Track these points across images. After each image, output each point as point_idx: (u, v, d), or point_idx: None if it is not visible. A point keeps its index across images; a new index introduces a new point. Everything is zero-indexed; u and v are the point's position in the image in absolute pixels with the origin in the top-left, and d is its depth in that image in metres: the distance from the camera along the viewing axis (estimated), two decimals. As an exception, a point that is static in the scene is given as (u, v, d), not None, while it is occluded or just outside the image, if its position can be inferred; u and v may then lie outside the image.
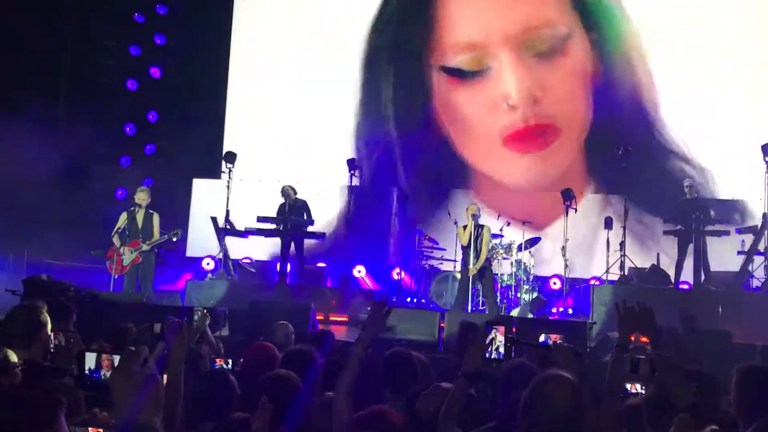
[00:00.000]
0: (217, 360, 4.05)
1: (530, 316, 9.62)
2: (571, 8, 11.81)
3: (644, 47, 11.74)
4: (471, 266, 9.22)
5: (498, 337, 5.24)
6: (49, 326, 3.67)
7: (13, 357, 3.24)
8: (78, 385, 3.16)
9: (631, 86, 11.68)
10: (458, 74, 11.93)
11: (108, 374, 3.00)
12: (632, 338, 3.31)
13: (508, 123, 11.66)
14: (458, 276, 9.79)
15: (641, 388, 3.91)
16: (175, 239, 9.58)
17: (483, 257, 9.36)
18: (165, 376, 2.90)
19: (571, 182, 10.71)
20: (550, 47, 11.70)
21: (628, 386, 3.92)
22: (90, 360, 3.14)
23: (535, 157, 11.67)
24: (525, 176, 11.62)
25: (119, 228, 9.40)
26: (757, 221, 9.99)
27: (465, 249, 9.58)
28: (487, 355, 3.35)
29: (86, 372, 3.12)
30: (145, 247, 9.33)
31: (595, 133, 11.62)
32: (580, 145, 11.79)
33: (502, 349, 5.23)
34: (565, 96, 11.70)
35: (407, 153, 12.15)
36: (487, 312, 9.09)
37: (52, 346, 3.71)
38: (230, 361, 4.07)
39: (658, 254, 10.49)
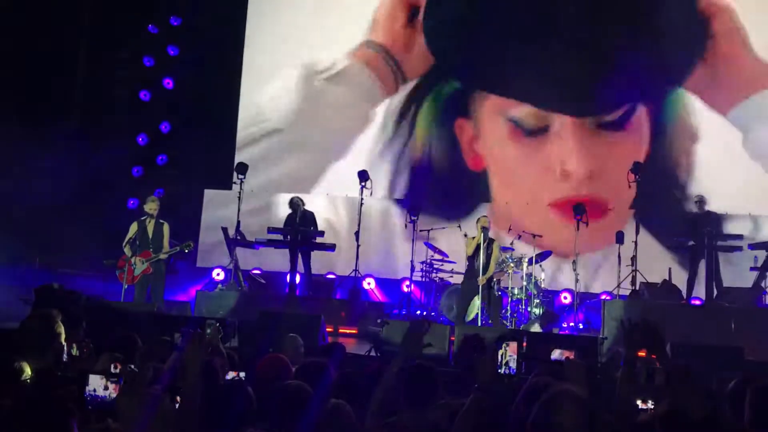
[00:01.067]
0: (232, 372, 4.04)
1: (538, 329, 9.59)
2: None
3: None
4: (481, 277, 9.26)
5: (508, 353, 5.23)
6: (63, 336, 3.68)
7: (27, 370, 3.26)
8: (79, 408, 3.10)
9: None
10: (519, 126, 11.71)
11: (114, 395, 3.02)
12: (640, 354, 3.29)
13: (557, 189, 11.49)
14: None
15: (651, 404, 3.88)
16: (187, 251, 9.62)
17: (491, 271, 9.41)
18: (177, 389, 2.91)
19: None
20: (614, 119, 11.52)
21: (639, 403, 3.89)
22: (95, 382, 3.12)
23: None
24: (564, 241, 10.85)
25: (130, 238, 9.45)
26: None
27: (470, 259, 9.59)
28: (498, 369, 3.33)
29: (86, 395, 3.09)
30: (156, 258, 9.37)
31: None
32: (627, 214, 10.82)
33: (513, 365, 5.22)
34: (621, 172, 10.65)
35: (427, 172, 12.11)
36: (492, 327, 9.08)
37: (65, 356, 3.71)
38: (243, 374, 4.05)
39: (670, 269, 10.43)
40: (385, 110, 12.33)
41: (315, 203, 11.34)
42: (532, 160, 11.72)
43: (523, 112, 11.71)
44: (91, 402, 3.04)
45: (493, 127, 11.94)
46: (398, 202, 12.07)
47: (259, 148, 12.61)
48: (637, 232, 9.78)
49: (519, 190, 11.83)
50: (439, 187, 12.08)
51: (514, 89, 11.73)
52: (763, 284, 9.63)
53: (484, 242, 9.38)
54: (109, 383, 3.06)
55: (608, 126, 11.57)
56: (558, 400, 2.52)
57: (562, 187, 11.51)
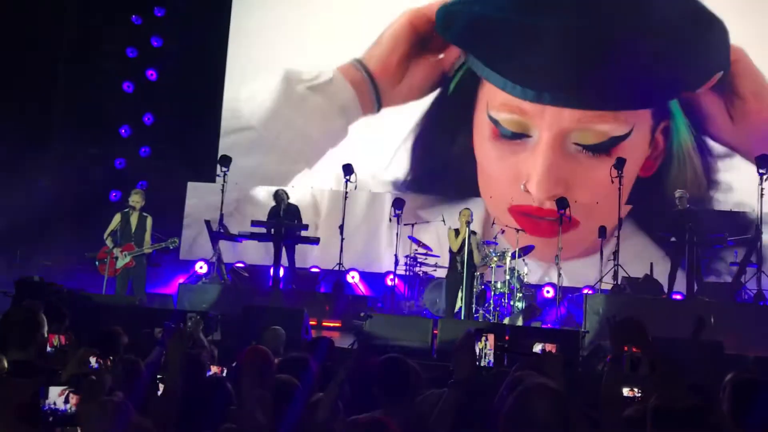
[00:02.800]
0: (212, 367, 4.03)
1: (520, 323, 9.63)
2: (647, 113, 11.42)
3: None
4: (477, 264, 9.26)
5: (487, 345, 5.25)
6: (46, 328, 3.66)
7: (4, 362, 3.23)
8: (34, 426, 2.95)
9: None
10: (498, 128, 11.63)
11: (73, 408, 2.87)
12: (625, 349, 3.32)
13: (521, 198, 11.45)
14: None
15: (638, 392, 3.90)
16: (171, 247, 9.57)
17: (477, 258, 9.42)
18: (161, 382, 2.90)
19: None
20: (598, 144, 11.29)
21: (626, 391, 3.91)
22: (53, 395, 2.92)
23: (542, 242, 10.90)
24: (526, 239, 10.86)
25: (113, 229, 9.38)
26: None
27: (453, 254, 9.62)
28: (477, 363, 3.33)
29: (45, 408, 2.88)
30: (140, 252, 9.32)
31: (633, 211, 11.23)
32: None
33: (492, 357, 5.23)
34: (593, 195, 11.08)
35: (415, 158, 12.13)
36: (462, 318, 9.09)
37: (49, 348, 3.69)
38: (225, 369, 4.03)
39: (651, 264, 10.51)
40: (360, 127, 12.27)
41: (296, 196, 11.31)
42: (504, 164, 11.67)
43: (505, 115, 11.63)
44: (51, 415, 2.88)
45: (481, 123, 11.93)
46: (381, 193, 12.04)
47: (244, 140, 12.55)
48: (620, 227, 9.86)
49: (493, 194, 11.84)
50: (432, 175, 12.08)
51: (514, 71, 11.55)
52: (742, 279, 9.74)
53: (467, 236, 9.40)
54: (70, 395, 2.91)
55: (590, 149, 11.36)
56: (531, 393, 2.53)
57: (526, 197, 11.47)
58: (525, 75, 11.48)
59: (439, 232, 10.98)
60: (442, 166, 12.05)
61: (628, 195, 10.88)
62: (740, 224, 10.79)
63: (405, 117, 12.20)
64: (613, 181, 9.75)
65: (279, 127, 12.36)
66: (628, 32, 11.43)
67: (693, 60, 11.36)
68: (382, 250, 11.83)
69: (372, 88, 12.24)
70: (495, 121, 11.70)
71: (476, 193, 11.90)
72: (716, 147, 11.50)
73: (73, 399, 2.87)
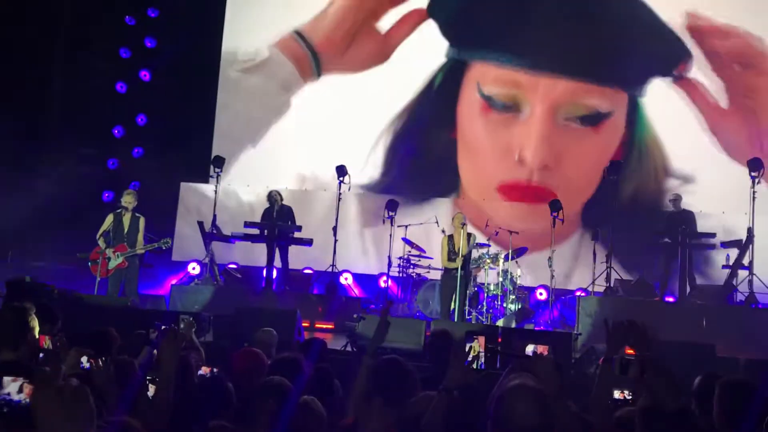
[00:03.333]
0: (204, 368, 4.01)
1: (513, 325, 9.64)
2: (625, 99, 11.69)
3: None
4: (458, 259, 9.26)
5: (477, 347, 5.25)
6: (38, 329, 3.64)
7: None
8: None
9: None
10: (491, 103, 11.82)
11: (26, 399, 2.80)
12: (628, 351, 3.32)
13: (511, 173, 11.63)
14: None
15: (629, 395, 3.91)
16: (164, 248, 9.55)
17: (464, 250, 9.34)
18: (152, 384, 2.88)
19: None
20: (586, 116, 11.59)
21: (616, 393, 3.92)
22: (8, 384, 2.86)
23: (521, 208, 11.56)
24: (506, 220, 11.13)
25: (105, 230, 9.35)
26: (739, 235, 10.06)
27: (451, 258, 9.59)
28: (466, 363, 3.33)
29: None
30: (132, 253, 9.29)
31: (597, 197, 11.51)
32: (576, 207, 11.49)
33: (483, 359, 5.24)
34: (577, 167, 11.55)
35: (409, 147, 12.14)
36: (455, 320, 9.09)
37: (41, 349, 3.67)
38: (215, 370, 4.01)
39: (644, 267, 10.54)
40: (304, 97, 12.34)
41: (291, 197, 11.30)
42: (495, 138, 11.84)
43: (499, 89, 11.81)
44: (5, 406, 2.79)
45: (469, 100, 12.01)
46: (375, 195, 12.03)
47: (237, 141, 12.54)
48: (612, 231, 9.89)
49: (478, 169, 11.96)
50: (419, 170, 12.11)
51: (504, 45, 11.82)
52: (734, 282, 9.76)
53: (466, 239, 9.38)
54: (24, 385, 2.82)
55: (578, 121, 11.64)
56: (512, 394, 2.53)
57: (515, 171, 11.66)
58: (520, 45, 11.80)
59: (431, 234, 10.98)
60: (415, 166, 12.11)
61: (601, 176, 11.26)
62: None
63: (379, 119, 12.25)
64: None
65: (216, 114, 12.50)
66: (615, 11, 11.80)
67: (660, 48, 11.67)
68: (376, 252, 11.81)
69: (312, 60, 12.35)
70: (487, 97, 11.87)
71: (451, 192, 11.99)
72: (678, 155, 11.64)
73: (27, 389, 2.77)
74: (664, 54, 11.69)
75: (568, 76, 11.62)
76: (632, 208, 11.30)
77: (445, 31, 12.20)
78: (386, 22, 12.31)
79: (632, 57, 11.52)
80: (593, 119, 11.63)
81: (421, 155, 12.10)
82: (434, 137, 12.10)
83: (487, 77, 11.90)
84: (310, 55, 12.35)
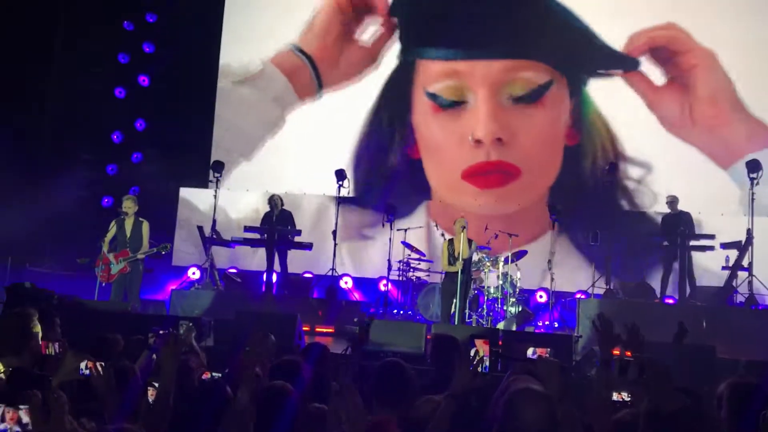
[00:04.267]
0: (205, 373, 4.01)
1: (514, 328, 9.64)
2: (560, 69, 11.90)
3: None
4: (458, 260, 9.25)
5: (481, 351, 5.25)
6: (40, 335, 3.64)
7: (0, 366, 3.22)
8: None
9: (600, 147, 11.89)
10: (437, 101, 12.06)
11: (12, 428, 2.57)
12: (615, 352, 3.33)
13: (471, 158, 11.84)
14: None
15: (628, 397, 3.91)
16: (163, 253, 9.54)
17: (465, 253, 9.34)
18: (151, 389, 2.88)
19: (539, 221, 11.17)
20: (527, 93, 11.83)
21: (615, 396, 3.92)
22: None
23: (492, 194, 11.80)
24: (481, 210, 11.56)
25: (109, 236, 9.34)
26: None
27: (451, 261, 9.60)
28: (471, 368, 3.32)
29: None
30: (134, 258, 9.27)
31: (562, 181, 11.77)
32: (542, 190, 11.84)
33: (487, 362, 5.24)
34: (532, 142, 11.79)
35: (396, 165, 12.21)
36: (456, 323, 9.09)
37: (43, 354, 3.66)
38: (218, 375, 4.00)
39: (643, 269, 10.54)
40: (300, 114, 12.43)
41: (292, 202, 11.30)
42: (449, 132, 12.03)
43: (441, 84, 12.04)
44: None
45: (420, 104, 12.21)
46: (374, 199, 12.05)
47: (236, 146, 12.55)
48: (611, 233, 9.90)
49: (444, 167, 12.11)
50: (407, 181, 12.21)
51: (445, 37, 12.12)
52: (734, 283, 9.76)
53: (467, 244, 9.39)
54: (6, 412, 2.57)
55: (522, 99, 11.84)
56: (520, 398, 2.53)
57: (473, 154, 11.83)
58: (452, 36, 12.12)
59: (430, 238, 11.00)
60: (385, 176, 12.22)
61: (561, 162, 11.73)
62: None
63: (346, 132, 12.38)
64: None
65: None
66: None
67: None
68: (376, 255, 11.81)
69: (312, 70, 12.45)
70: (433, 96, 12.11)
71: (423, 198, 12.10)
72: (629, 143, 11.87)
73: (9, 413, 2.55)
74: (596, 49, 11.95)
75: (501, 58, 11.95)
76: (629, 210, 11.38)
77: (400, 28, 12.47)
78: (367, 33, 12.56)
79: (561, 36, 11.93)
80: (535, 94, 11.85)
81: (388, 173, 12.21)
82: (397, 149, 12.26)
83: (429, 76, 12.17)
84: (310, 67, 12.43)
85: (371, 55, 12.48)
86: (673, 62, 11.73)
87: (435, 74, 12.15)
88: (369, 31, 12.51)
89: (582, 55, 11.94)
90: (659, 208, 10.94)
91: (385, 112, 12.33)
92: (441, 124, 12.10)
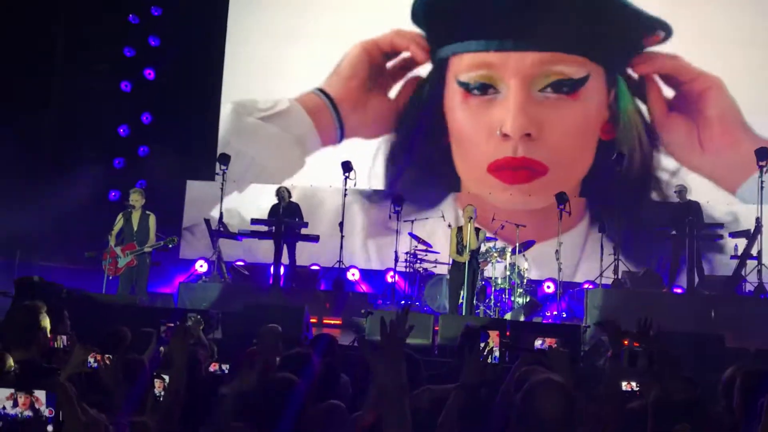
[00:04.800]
0: (212, 364, 4.02)
1: (522, 319, 9.63)
2: (598, 62, 11.86)
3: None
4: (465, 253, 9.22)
5: (491, 342, 5.24)
6: (49, 328, 3.64)
7: (10, 360, 3.22)
8: None
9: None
10: (468, 90, 12.02)
11: (24, 412, 2.60)
12: (625, 342, 3.32)
13: (497, 152, 11.83)
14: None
15: (636, 387, 3.90)
16: (171, 246, 9.55)
17: (473, 245, 9.30)
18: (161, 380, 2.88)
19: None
20: (560, 86, 11.78)
21: (624, 385, 3.91)
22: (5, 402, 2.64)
23: (518, 189, 11.80)
24: (507, 204, 11.53)
25: (116, 230, 9.36)
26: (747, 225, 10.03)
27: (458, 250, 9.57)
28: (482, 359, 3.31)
29: None
30: (141, 251, 9.29)
31: (594, 176, 11.69)
32: (574, 183, 11.75)
33: (497, 353, 5.22)
34: (563, 136, 11.75)
35: (408, 154, 12.16)
36: (464, 313, 9.06)
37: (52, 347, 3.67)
38: (226, 367, 4.01)
39: (651, 258, 10.51)
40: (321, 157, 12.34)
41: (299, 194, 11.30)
42: (478, 122, 12.02)
43: (473, 73, 12.04)
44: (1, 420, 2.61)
45: (451, 92, 12.18)
46: (381, 190, 12.04)
47: (243, 138, 12.55)
48: (620, 222, 9.86)
49: (471, 158, 12.11)
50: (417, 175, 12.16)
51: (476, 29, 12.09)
52: (743, 272, 9.73)
53: (474, 234, 9.35)
54: (19, 397, 2.62)
55: (555, 92, 11.81)
56: (540, 389, 2.53)
57: (500, 148, 11.83)
58: (485, 29, 12.07)
59: (438, 229, 10.98)
60: (414, 175, 12.17)
61: (593, 157, 11.74)
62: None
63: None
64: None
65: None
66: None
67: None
68: (383, 247, 11.80)
69: (334, 114, 12.39)
70: (464, 84, 12.11)
71: (452, 190, 12.07)
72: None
73: (22, 398, 2.60)
74: (631, 26, 11.97)
75: (536, 50, 11.90)
76: (639, 198, 11.34)
77: (427, 35, 12.38)
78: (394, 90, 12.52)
79: (600, 28, 11.89)
80: (569, 87, 11.82)
81: (419, 164, 12.16)
82: (430, 143, 12.20)
83: (461, 67, 12.14)
84: (332, 110, 12.40)
85: (394, 115, 12.39)
86: (680, 91, 11.79)
87: (467, 65, 12.14)
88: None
89: (618, 38, 11.91)
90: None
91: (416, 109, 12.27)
92: (470, 113, 12.07)
